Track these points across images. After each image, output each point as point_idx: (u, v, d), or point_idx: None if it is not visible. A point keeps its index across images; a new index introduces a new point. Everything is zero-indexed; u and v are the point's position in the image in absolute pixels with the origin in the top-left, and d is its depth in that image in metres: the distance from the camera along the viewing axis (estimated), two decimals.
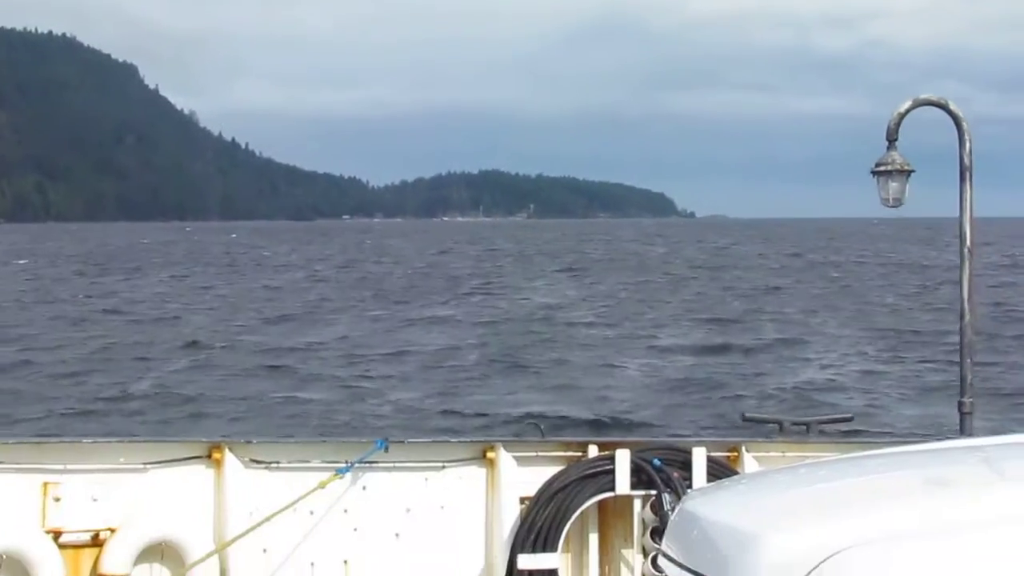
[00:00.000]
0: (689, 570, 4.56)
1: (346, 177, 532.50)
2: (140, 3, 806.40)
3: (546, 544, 8.23)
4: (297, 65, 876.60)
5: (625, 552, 8.68)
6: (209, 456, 8.04)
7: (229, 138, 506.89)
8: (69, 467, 7.69)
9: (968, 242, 9.73)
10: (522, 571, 8.18)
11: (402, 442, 8.52)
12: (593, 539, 8.64)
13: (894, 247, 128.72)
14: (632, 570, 8.56)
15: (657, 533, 8.04)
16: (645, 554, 8.31)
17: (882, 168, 9.63)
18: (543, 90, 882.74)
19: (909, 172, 9.63)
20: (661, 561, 4.86)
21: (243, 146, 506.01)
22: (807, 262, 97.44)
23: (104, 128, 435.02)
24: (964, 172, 9.71)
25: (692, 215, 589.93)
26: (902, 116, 9.60)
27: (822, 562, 3.88)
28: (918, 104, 9.66)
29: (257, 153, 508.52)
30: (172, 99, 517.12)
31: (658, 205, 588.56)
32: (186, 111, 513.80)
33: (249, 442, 8.22)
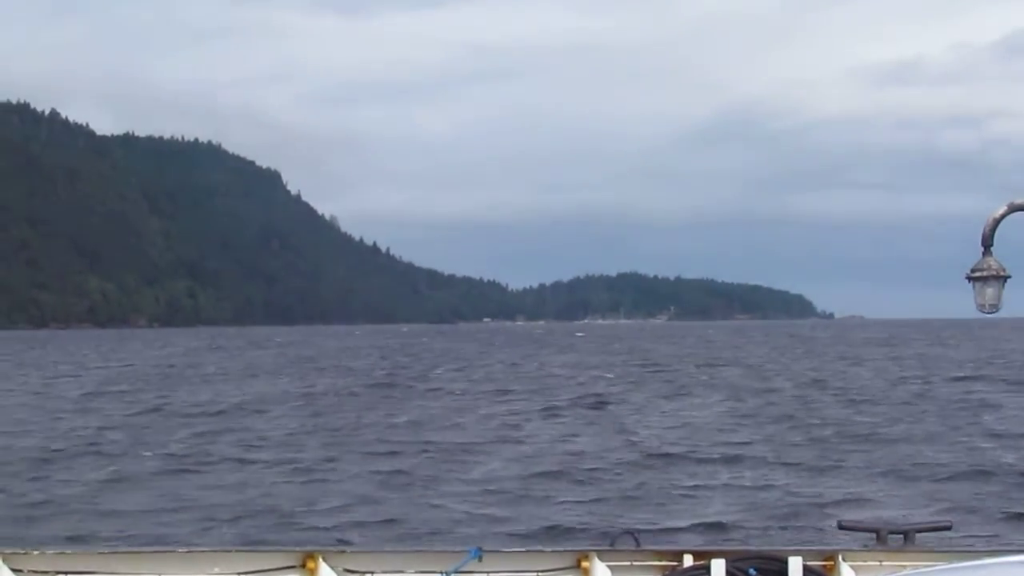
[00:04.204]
0: None
1: (485, 280, 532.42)
2: (278, 107, 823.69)
3: None
4: (428, 169, 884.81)
5: None
6: (303, 566, 7.91)
7: (370, 242, 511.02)
8: None
9: None
10: None
11: (496, 552, 8.45)
12: None
13: None
14: None
15: None
16: None
17: (978, 274, 9.43)
18: (669, 192, 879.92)
19: (1005, 278, 9.46)
20: None
21: (384, 250, 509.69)
22: None
23: (250, 234, 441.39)
24: None
25: (831, 316, 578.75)
26: (997, 221, 9.41)
27: None
28: (1014, 209, 9.41)
29: (398, 257, 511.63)
30: (313, 204, 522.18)
31: (796, 306, 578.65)
32: (327, 216, 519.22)
33: (343, 551, 8.17)
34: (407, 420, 43.57)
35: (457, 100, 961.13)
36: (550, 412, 46.28)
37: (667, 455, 31.41)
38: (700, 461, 30.13)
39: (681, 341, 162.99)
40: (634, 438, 36.40)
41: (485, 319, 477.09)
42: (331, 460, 31.01)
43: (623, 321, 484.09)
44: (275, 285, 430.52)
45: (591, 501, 24.23)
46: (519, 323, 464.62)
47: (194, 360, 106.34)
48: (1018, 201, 9.49)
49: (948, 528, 10.40)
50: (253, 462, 30.66)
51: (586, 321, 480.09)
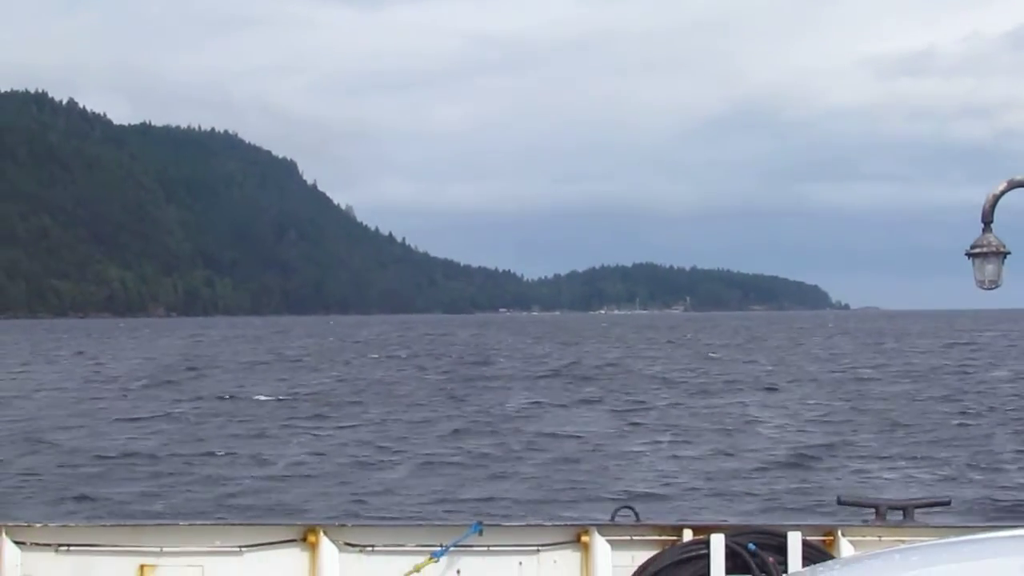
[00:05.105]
0: None
1: (500, 270, 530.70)
2: (293, 98, 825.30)
3: None
4: (443, 159, 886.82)
5: None
6: (304, 539, 8.02)
7: (386, 232, 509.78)
8: (166, 549, 7.72)
9: None
10: None
11: (497, 525, 8.57)
12: None
13: None
14: None
15: None
16: None
17: (978, 250, 9.46)
18: (683, 183, 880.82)
19: (1005, 254, 9.47)
20: None
21: (400, 240, 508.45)
22: None
23: (267, 223, 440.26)
24: None
25: (846, 307, 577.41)
26: (997, 198, 9.42)
27: None
28: (1013, 186, 9.43)
29: (413, 247, 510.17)
30: (329, 194, 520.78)
31: (812, 297, 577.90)
32: (343, 206, 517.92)
33: (344, 525, 8.24)
34: (515, 409, 42.56)
35: (471, 91, 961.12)
36: (651, 402, 45.16)
37: (829, 445, 30.30)
38: (879, 458, 28.88)
39: (713, 331, 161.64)
40: (767, 430, 35.28)
41: (501, 309, 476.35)
42: (500, 451, 29.93)
43: (639, 312, 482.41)
44: (291, 274, 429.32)
45: (793, 491, 23.13)
46: (535, 313, 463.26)
47: (236, 348, 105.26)
48: (1018, 178, 9.46)
49: (947, 504, 10.51)
50: (414, 453, 29.52)
51: (602, 311, 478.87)
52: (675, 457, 28.79)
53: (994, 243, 9.46)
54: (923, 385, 52.04)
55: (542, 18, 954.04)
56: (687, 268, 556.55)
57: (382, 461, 28.10)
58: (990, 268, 9.45)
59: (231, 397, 48.19)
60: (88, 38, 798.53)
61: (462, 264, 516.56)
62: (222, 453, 29.83)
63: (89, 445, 31.64)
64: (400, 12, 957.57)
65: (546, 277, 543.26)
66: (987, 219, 9.50)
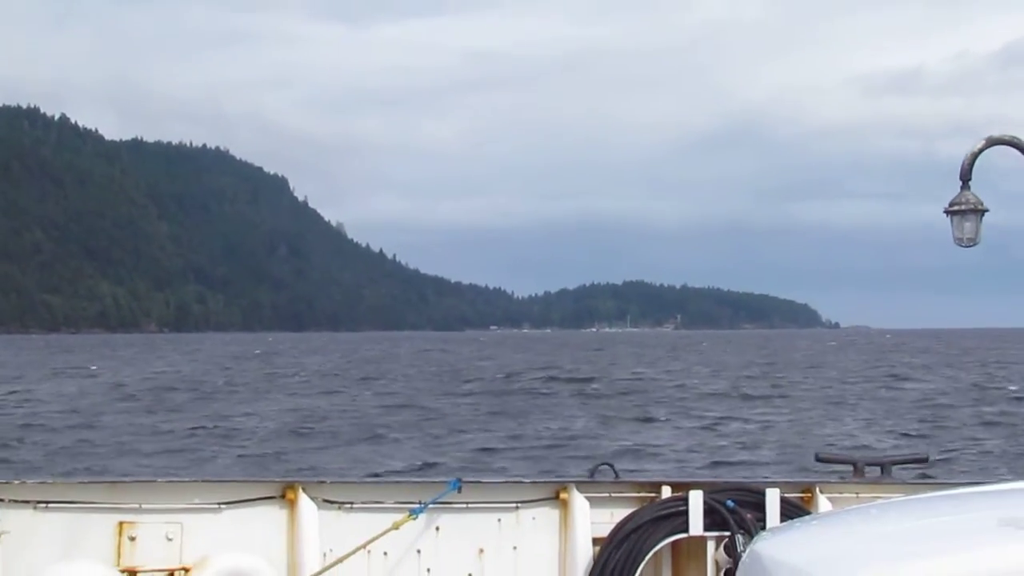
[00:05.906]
0: None
1: (491, 288, 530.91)
2: (284, 114, 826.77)
3: None
4: (434, 176, 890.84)
5: None
6: (283, 496, 8.06)
7: (376, 249, 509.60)
8: (144, 506, 7.74)
9: None
10: None
11: (476, 482, 8.54)
12: None
13: None
14: None
15: (730, 575, 8.18)
16: None
17: (956, 208, 9.52)
18: (673, 201, 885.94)
19: (983, 212, 9.49)
20: None
21: (391, 257, 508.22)
22: None
23: (258, 239, 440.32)
24: None
25: (836, 326, 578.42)
26: (975, 156, 9.44)
27: None
28: (991, 143, 9.48)
29: (404, 264, 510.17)
30: (320, 211, 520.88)
31: (802, 316, 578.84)
32: (334, 222, 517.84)
33: (323, 482, 8.25)
34: (587, 423, 41.89)
35: (462, 107, 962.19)
36: (719, 414, 44.51)
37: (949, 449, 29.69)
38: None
39: (717, 349, 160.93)
40: (868, 442, 34.62)
41: (491, 326, 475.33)
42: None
43: (631, 329, 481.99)
44: (282, 291, 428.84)
45: None
46: (525, 331, 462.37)
47: (253, 366, 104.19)
48: (995, 135, 9.48)
49: (925, 461, 10.54)
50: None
51: (593, 329, 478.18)
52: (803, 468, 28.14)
53: (972, 200, 9.43)
54: (980, 399, 51.49)
55: (533, 36, 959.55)
56: (677, 286, 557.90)
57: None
58: (968, 226, 9.44)
59: (294, 408, 47.49)
60: (79, 53, 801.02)
61: (452, 281, 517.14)
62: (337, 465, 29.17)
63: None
64: (391, 29, 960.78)
65: (536, 294, 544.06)
66: (965, 177, 9.47)
